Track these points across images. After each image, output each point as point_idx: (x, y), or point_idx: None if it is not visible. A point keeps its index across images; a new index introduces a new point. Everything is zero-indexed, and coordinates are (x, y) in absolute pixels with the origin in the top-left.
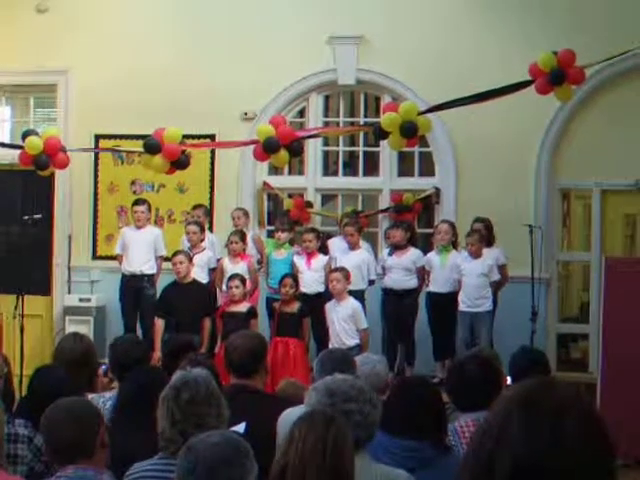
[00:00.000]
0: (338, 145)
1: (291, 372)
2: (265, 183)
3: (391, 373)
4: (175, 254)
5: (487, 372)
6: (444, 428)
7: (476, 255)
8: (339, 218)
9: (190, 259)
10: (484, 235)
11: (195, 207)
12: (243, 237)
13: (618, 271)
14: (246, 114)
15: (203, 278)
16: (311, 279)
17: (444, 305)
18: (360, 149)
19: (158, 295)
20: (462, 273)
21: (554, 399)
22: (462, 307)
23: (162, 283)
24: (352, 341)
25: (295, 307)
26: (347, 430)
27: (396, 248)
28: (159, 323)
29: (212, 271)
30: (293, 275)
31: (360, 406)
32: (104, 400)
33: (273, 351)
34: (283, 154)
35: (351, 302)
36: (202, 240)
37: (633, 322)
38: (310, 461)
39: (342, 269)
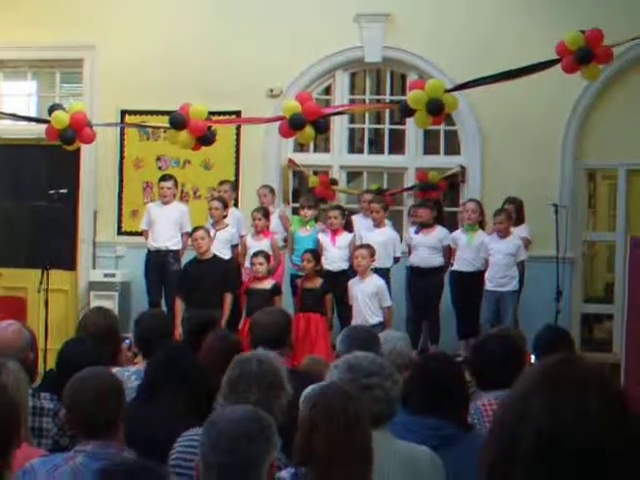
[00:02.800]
0: (364, 122)
1: (313, 347)
2: (290, 160)
3: (414, 351)
4: (195, 229)
5: (509, 351)
6: (466, 406)
7: (503, 234)
8: (360, 193)
9: (209, 234)
10: (512, 215)
11: (222, 182)
12: (266, 214)
13: None
14: (272, 91)
15: (225, 254)
16: (336, 256)
17: (469, 284)
18: (386, 127)
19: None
20: (489, 253)
21: (578, 374)
22: (488, 286)
23: (187, 259)
24: (375, 319)
25: (317, 283)
26: (362, 405)
27: (423, 226)
28: (179, 302)
29: (235, 247)
30: (313, 250)
31: (381, 381)
32: (128, 374)
33: (296, 327)
34: (309, 131)
35: (375, 279)
36: (225, 217)
37: None
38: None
39: (367, 246)
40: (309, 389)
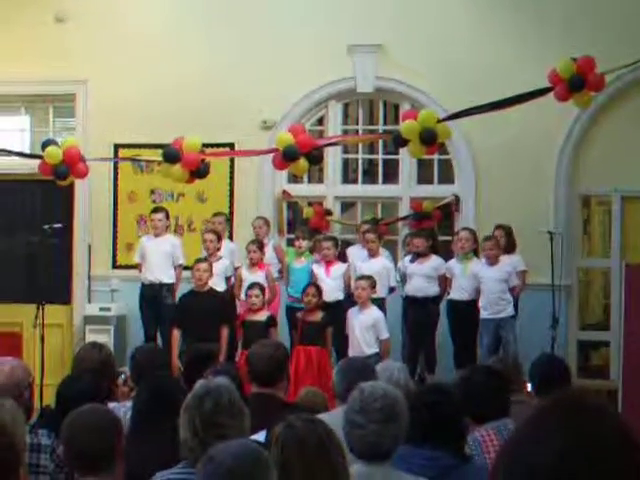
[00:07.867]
0: (357, 153)
1: (314, 380)
2: (284, 191)
3: (411, 380)
4: (199, 261)
5: (494, 383)
6: (464, 436)
7: (493, 261)
8: (358, 226)
9: (211, 269)
10: (501, 241)
11: (216, 214)
12: (261, 246)
13: (639, 278)
14: (265, 122)
15: (220, 286)
16: (330, 287)
17: (465, 313)
18: (379, 157)
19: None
20: (481, 280)
21: (592, 401)
22: (484, 314)
23: (182, 292)
24: (371, 350)
25: (319, 316)
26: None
27: (418, 255)
28: (175, 333)
29: (228, 279)
30: (316, 284)
31: (391, 415)
32: (125, 410)
33: (296, 360)
34: (303, 163)
35: (374, 311)
36: (218, 249)
37: None
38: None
39: (369, 277)
40: (277, 427)
